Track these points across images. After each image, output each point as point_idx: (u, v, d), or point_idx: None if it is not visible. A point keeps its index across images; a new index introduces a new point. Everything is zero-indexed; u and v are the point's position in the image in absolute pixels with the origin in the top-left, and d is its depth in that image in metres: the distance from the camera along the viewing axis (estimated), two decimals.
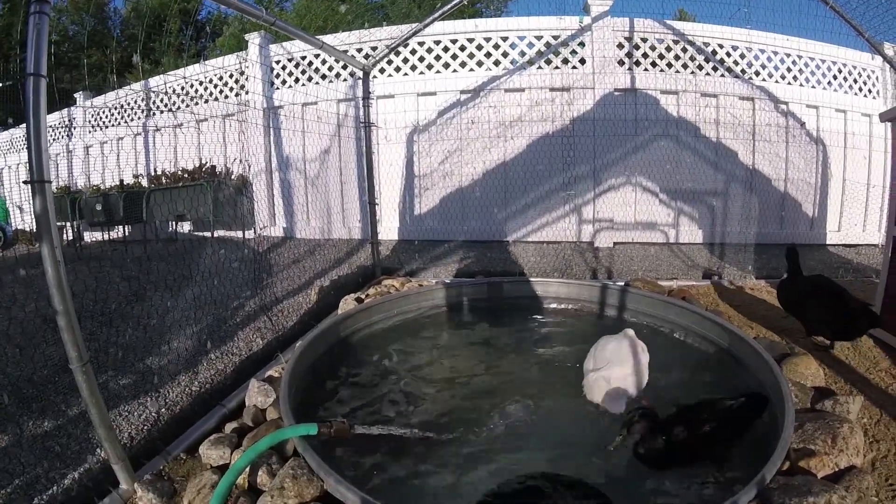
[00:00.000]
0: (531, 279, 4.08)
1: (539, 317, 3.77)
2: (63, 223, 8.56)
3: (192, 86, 8.12)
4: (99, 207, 7.68)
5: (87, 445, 2.24)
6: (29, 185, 1.66)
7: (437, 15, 4.16)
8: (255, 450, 1.87)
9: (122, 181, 8.38)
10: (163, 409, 2.52)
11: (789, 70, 6.63)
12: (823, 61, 6.73)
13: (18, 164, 10.99)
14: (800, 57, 6.64)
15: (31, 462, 2.14)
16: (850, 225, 6.96)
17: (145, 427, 2.38)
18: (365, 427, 2.17)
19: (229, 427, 2.36)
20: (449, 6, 4.05)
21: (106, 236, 8.56)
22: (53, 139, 10.20)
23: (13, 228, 10.30)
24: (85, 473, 2.07)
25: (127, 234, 8.49)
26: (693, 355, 3.09)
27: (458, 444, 2.22)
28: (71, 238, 8.47)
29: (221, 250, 5.41)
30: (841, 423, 2.04)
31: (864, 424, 2.22)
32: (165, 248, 6.99)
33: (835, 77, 6.79)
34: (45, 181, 1.67)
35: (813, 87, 6.69)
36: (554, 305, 3.92)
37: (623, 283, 4.00)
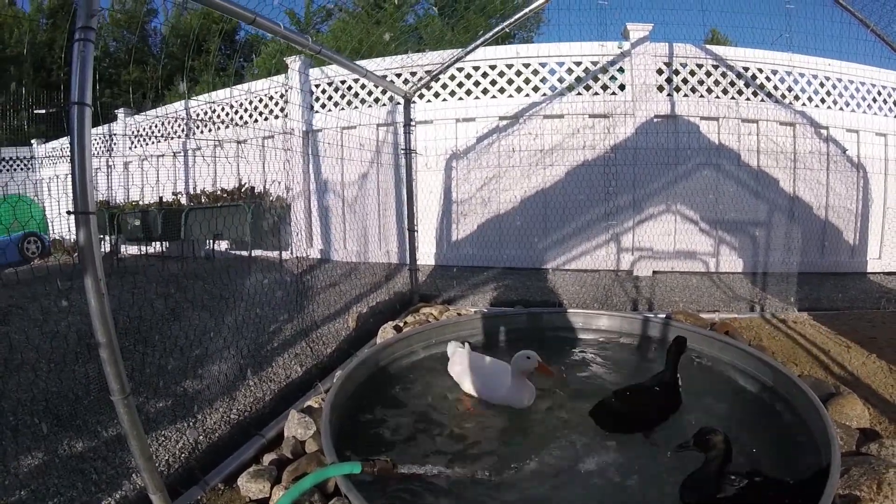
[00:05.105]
0: (570, 310, 4.00)
1: (579, 349, 3.67)
2: (101, 236, 8.75)
3: (231, 107, 8.25)
4: (137, 223, 7.82)
5: (122, 470, 2.22)
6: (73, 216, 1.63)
7: (479, 42, 4.16)
8: (299, 488, 1.85)
9: (161, 198, 8.54)
10: (201, 437, 2.48)
11: (829, 94, 6.47)
12: (863, 84, 6.57)
13: (57, 177, 11.29)
14: (839, 80, 6.49)
15: (66, 485, 2.12)
16: (892, 253, 6.74)
17: (182, 455, 2.35)
18: (408, 466, 2.10)
19: (268, 458, 2.32)
20: (491, 33, 4.06)
21: (143, 251, 8.71)
22: (93, 156, 10.42)
23: (51, 239, 10.55)
24: (121, 500, 2.04)
25: (164, 249, 8.63)
26: (736, 393, 2.98)
27: (503, 486, 2.14)
28: (108, 251, 8.63)
29: (265, 280, 5.42)
30: (887, 468, 1.99)
31: None
32: (202, 267, 7.05)
33: (874, 100, 6.63)
34: (89, 213, 1.64)
35: (853, 110, 6.52)
36: (594, 338, 3.82)
37: (664, 316, 3.94)
